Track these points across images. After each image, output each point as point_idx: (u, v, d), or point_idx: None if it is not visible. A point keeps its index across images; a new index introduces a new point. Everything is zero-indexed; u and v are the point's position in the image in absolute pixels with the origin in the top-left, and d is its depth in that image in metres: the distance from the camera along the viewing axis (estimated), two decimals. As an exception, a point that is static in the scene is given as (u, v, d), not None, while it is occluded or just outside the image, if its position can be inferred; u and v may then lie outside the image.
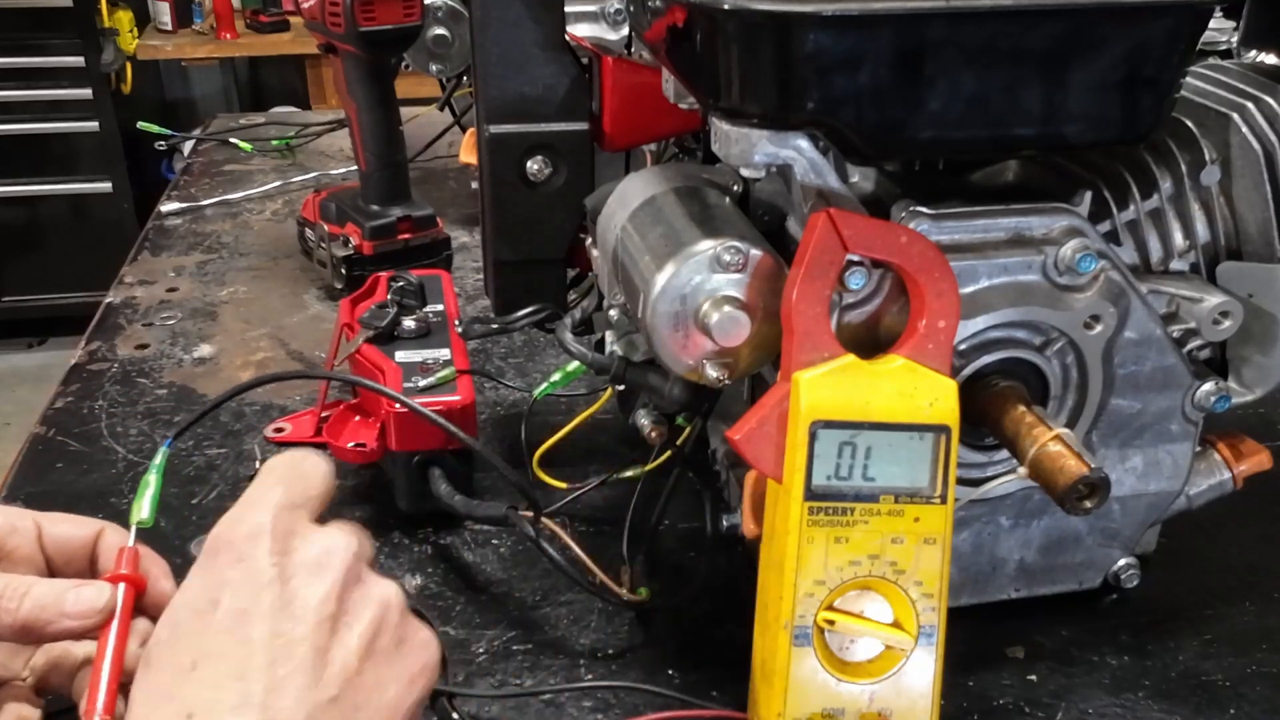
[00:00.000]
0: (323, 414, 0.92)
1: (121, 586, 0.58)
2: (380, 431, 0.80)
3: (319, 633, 0.48)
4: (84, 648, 0.59)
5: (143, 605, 0.60)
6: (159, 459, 0.65)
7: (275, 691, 0.46)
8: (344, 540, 0.51)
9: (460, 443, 0.76)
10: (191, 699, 0.46)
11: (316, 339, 1.11)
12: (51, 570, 0.61)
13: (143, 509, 0.63)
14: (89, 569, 0.61)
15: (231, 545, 0.50)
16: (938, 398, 0.55)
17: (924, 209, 0.60)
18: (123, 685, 0.57)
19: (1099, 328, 0.62)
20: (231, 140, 1.68)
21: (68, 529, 0.61)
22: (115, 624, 0.57)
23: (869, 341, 0.59)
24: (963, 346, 0.61)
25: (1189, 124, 0.66)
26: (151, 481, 0.64)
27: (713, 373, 0.61)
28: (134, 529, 0.61)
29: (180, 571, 0.64)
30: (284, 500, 0.51)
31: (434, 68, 1.32)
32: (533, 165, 0.78)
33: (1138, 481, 0.69)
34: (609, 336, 0.70)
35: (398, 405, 0.78)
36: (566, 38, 0.76)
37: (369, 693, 0.48)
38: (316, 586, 0.49)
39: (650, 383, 0.67)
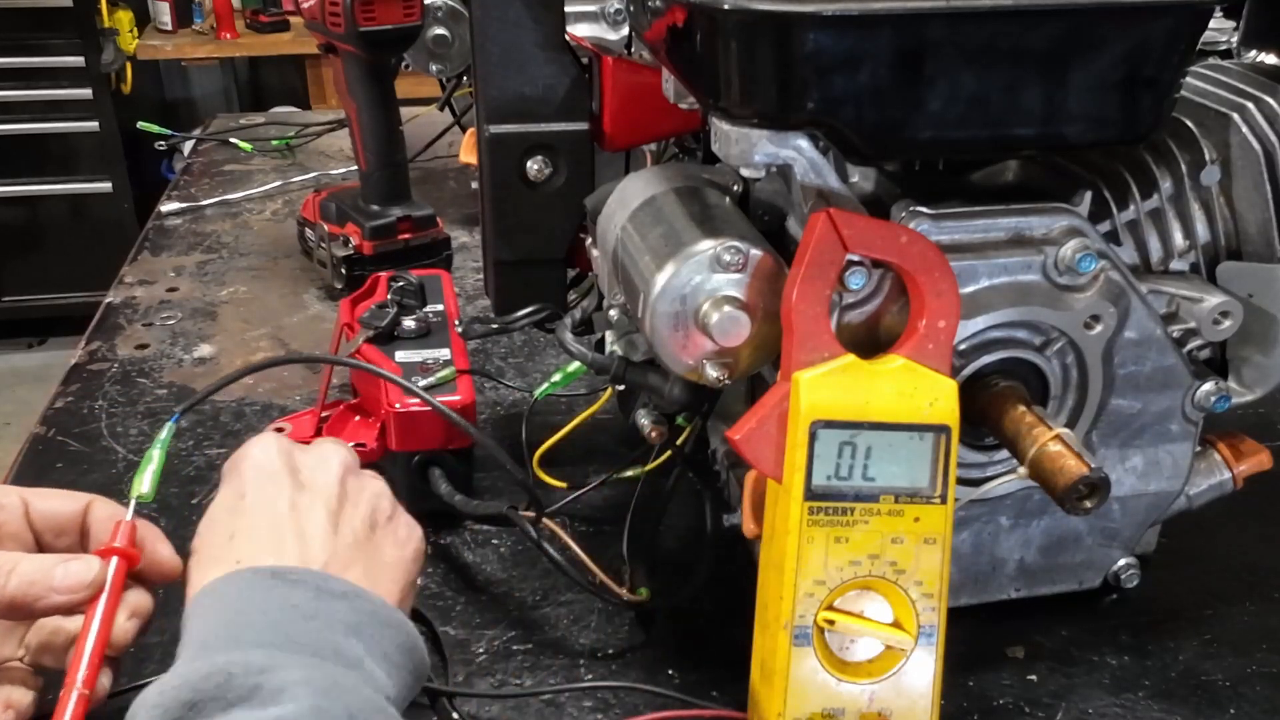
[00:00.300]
0: (323, 414, 0.91)
1: (114, 560, 0.59)
2: (380, 431, 0.80)
3: (330, 505, 0.59)
4: (76, 624, 0.59)
5: (139, 574, 0.61)
6: (164, 434, 0.66)
7: (302, 539, 0.57)
8: (335, 447, 0.64)
9: (468, 436, 0.76)
10: (236, 553, 0.56)
11: (316, 339, 1.11)
12: (42, 545, 0.61)
13: (144, 483, 0.63)
14: (80, 542, 0.62)
15: (246, 458, 0.61)
16: (938, 398, 0.55)
17: (924, 209, 0.60)
18: (111, 659, 0.57)
19: (1099, 328, 0.62)
20: (231, 140, 1.68)
21: (55, 503, 0.62)
22: (104, 597, 0.57)
23: (869, 341, 0.59)
24: (963, 346, 0.61)
25: (1189, 124, 0.66)
26: (155, 457, 0.64)
27: (713, 373, 0.61)
28: (133, 502, 0.62)
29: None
30: (279, 436, 0.64)
31: (434, 68, 1.32)
32: (533, 165, 0.77)
33: (1138, 481, 0.69)
34: (609, 336, 0.70)
35: (398, 406, 0.78)
36: (566, 38, 0.76)
37: (375, 550, 0.60)
38: (323, 476, 0.61)
39: (650, 383, 0.67)
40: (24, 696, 0.60)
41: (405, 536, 0.62)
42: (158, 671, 0.67)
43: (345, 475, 0.62)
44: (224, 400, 0.98)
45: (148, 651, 0.68)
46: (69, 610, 0.58)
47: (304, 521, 0.58)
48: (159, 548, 0.62)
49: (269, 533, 0.57)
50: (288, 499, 0.59)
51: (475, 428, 0.78)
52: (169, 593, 0.72)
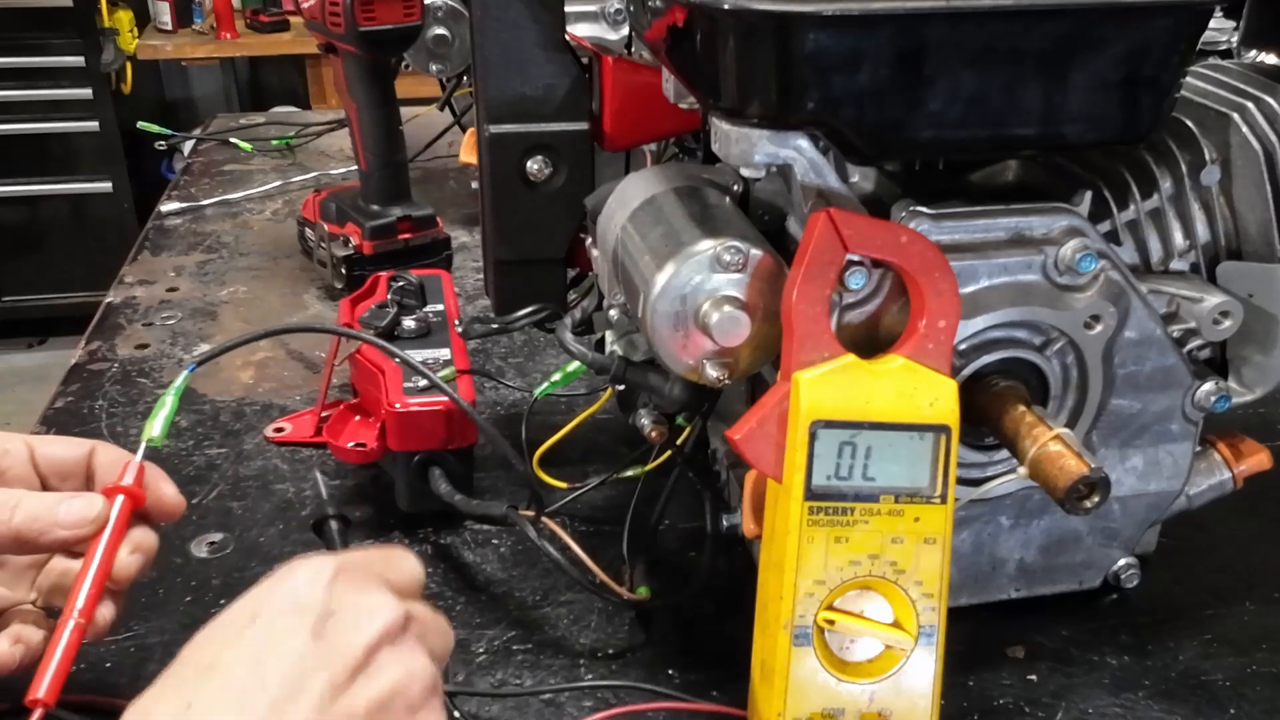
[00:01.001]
0: (323, 414, 0.92)
1: (119, 498, 0.60)
2: (380, 431, 0.80)
3: (338, 673, 0.47)
4: None
5: (144, 515, 0.62)
6: (179, 382, 0.67)
7: (278, 703, 0.45)
8: (391, 606, 0.51)
9: (468, 436, 0.77)
10: (196, 694, 0.46)
11: (317, 339, 1.10)
12: (47, 489, 0.63)
13: (154, 427, 0.64)
14: (85, 486, 0.64)
15: (293, 571, 0.51)
16: (938, 398, 0.55)
17: (924, 209, 0.60)
18: (111, 591, 0.58)
19: (1099, 328, 0.62)
20: (231, 140, 1.68)
21: (60, 448, 0.63)
22: (106, 531, 0.58)
23: (869, 341, 0.59)
24: (963, 346, 0.61)
25: (1189, 124, 0.66)
26: (168, 403, 0.65)
27: (713, 373, 0.61)
28: (143, 445, 0.63)
29: (180, 569, 0.64)
30: (360, 558, 0.53)
31: (434, 68, 1.32)
32: (533, 165, 0.78)
33: (1138, 481, 0.69)
34: (609, 336, 0.70)
35: (397, 406, 0.78)
36: (566, 38, 0.76)
37: None
38: (352, 634, 0.49)
39: (650, 383, 0.67)
40: (34, 634, 0.60)
41: None
42: (158, 671, 0.67)
43: (381, 641, 0.49)
44: (224, 400, 0.98)
45: (148, 651, 0.68)
46: (73, 547, 0.59)
47: (295, 681, 0.46)
48: (163, 487, 0.63)
49: (243, 689, 0.46)
50: (295, 650, 0.47)
51: (473, 432, 0.78)
52: (170, 586, 0.72)
